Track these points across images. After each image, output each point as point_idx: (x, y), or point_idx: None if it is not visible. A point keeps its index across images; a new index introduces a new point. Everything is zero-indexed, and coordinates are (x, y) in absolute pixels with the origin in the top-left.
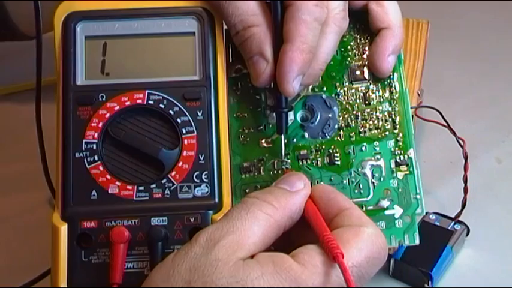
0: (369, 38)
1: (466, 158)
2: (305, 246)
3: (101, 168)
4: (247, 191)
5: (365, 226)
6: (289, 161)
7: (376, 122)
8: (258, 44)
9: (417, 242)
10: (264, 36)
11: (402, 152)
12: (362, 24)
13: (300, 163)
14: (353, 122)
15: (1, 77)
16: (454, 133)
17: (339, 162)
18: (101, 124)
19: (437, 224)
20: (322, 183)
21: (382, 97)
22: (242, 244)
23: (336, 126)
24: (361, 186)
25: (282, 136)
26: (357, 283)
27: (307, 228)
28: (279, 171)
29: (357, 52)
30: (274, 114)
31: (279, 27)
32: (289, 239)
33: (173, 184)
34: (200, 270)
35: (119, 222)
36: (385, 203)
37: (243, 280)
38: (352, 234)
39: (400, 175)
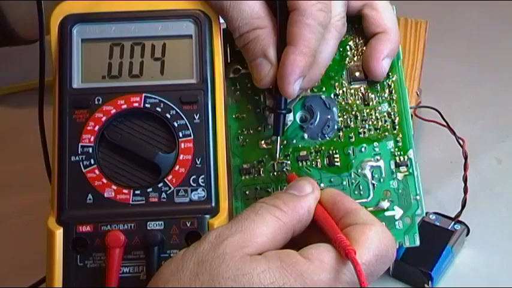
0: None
1: (465, 158)
2: (316, 244)
3: (97, 171)
4: (247, 192)
5: (372, 224)
6: (289, 162)
7: (375, 122)
8: (262, 46)
9: (417, 243)
10: (268, 38)
11: (402, 153)
12: (361, 24)
13: (300, 164)
14: (352, 122)
15: (0, 78)
16: (453, 133)
17: (338, 164)
18: (97, 127)
19: (437, 224)
20: (322, 184)
21: (381, 97)
22: (250, 242)
23: (336, 127)
24: (361, 187)
25: (278, 138)
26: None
27: (314, 232)
28: (279, 173)
29: (355, 52)
30: (273, 115)
31: (284, 29)
32: (296, 245)
33: (170, 188)
34: (207, 264)
35: (115, 227)
36: (385, 204)
37: (249, 273)
38: (359, 233)
39: (400, 176)
